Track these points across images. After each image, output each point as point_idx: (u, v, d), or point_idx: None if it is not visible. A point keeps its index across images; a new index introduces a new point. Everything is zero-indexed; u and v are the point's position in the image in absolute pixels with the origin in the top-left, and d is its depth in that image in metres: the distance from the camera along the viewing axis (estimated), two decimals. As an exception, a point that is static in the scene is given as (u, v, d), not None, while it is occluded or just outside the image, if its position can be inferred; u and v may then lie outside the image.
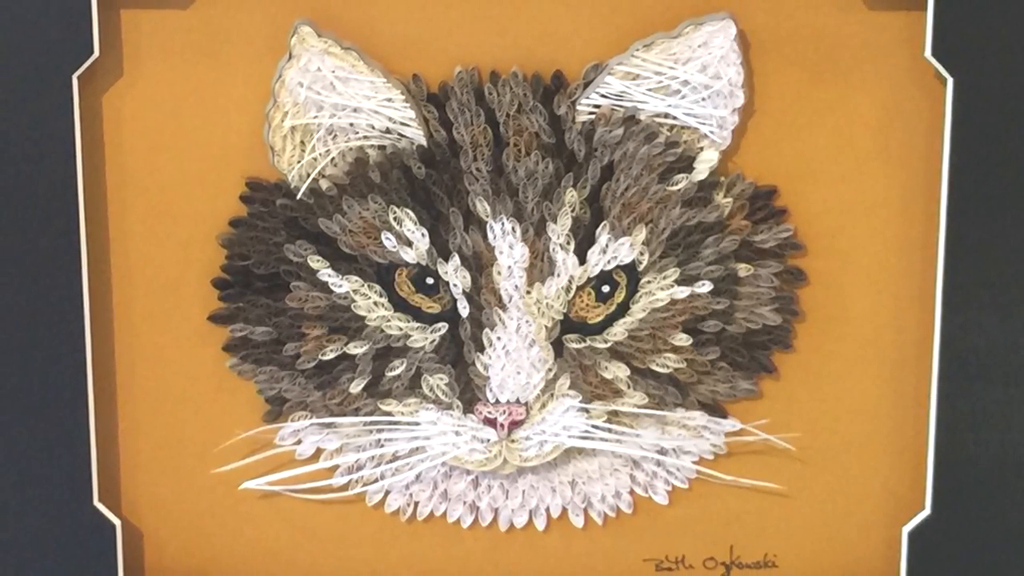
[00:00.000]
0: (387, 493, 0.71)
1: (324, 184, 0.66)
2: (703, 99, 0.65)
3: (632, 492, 0.71)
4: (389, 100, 0.65)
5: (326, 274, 0.67)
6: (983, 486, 0.68)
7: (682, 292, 0.67)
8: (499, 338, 0.66)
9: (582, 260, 0.66)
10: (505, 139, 0.65)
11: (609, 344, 0.67)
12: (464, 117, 0.65)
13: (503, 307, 0.66)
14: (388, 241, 0.66)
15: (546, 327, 0.66)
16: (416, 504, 0.71)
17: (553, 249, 0.65)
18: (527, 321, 0.66)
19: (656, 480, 0.70)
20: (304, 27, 0.64)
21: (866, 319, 0.68)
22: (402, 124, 0.65)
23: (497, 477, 0.70)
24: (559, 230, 0.65)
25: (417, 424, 0.68)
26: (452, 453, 0.68)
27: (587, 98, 0.65)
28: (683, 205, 0.66)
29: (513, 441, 0.68)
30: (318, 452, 0.70)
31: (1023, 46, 0.64)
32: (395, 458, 0.69)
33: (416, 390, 0.68)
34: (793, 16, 0.65)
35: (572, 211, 0.65)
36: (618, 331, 0.67)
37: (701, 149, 0.66)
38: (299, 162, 0.66)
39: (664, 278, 0.67)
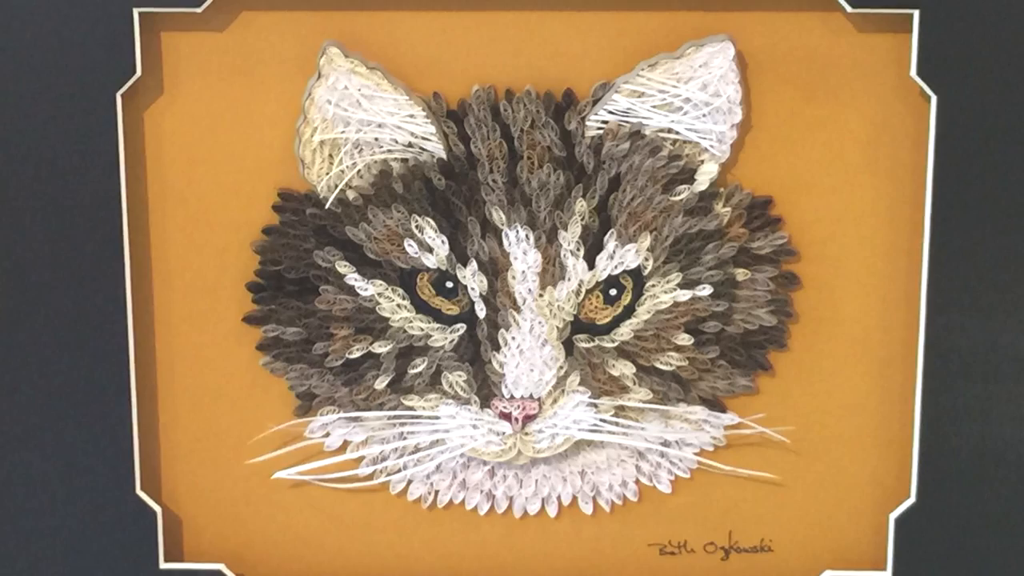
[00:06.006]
0: (409, 482, 0.71)
1: (351, 194, 0.67)
2: (704, 115, 0.66)
3: (638, 481, 0.71)
4: (411, 116, 0.66)
5: (353, 278, 0.68)
6: (965, 476, 0.68)
7: (684, 295, 0.68)
8: (514, 338, 0.67)
9: (591, 265, 0.67)
10: (519, 153, 0.66)
11: (616, 343, 0.68)
12: (481, 132, 0.66)
13: (517, 309, 0.67)
14: (410, 248, 0.67)
15: (557, 328, 0.67)
16: (436, 493, 0.71)
17: (564, 255, 0.66)
18: (540, 322, 0.67)
19: (660, 470, 0.71)
20: (332, 48, 0.65)
21: (856, 320, 0.69)
22: (423, 139, 0.66)
23: (512, 467, 0.71)
24: (569, 237, 0.66)
25: (437, 418, 0.69)
26: (470, 445, 0.69)
27: (596, 114, 0.66)
28: (685, 214, 0.67)
29: (527, 434, 0.68)
30: (345, 444, 0.71)
31: (1003, 67, 0.64)
32: (417, 450, 0.70)
33: (436, 386, 0.69)
34: (788, 38, 0.66)
35: (582, 220, 0.66)
36: (624, 331, 0.68)
37: (702, 162, 0.67)
38: (327, 174, 0.67)
39: (667, 282, 0.68)
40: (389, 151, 0.67)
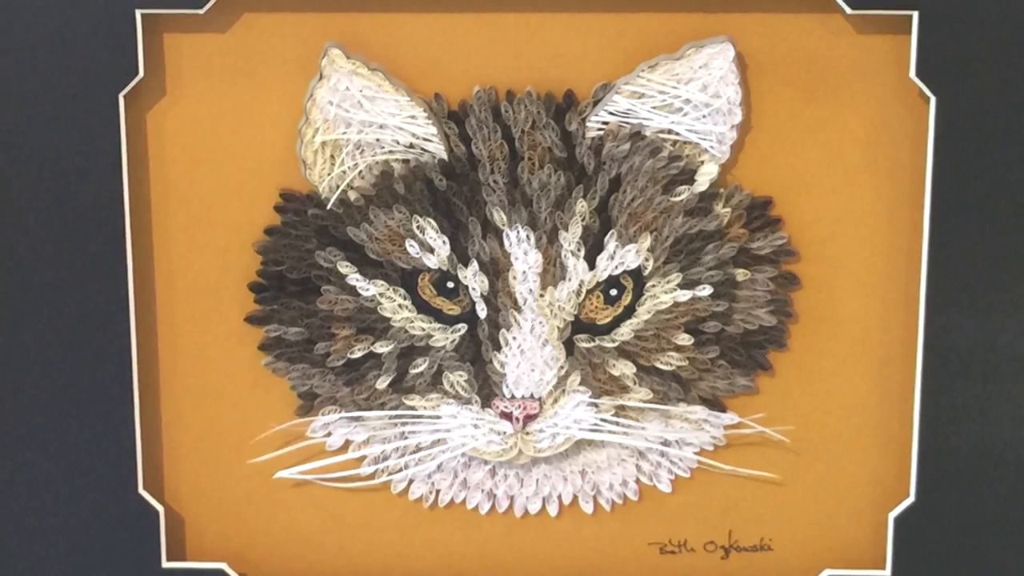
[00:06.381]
0: (411, 482, 0.72)
1: (352, 195, 0.67)
2: (704, 116, 0.66)
3: (638, 480, 0.72)
4: (413, 117, 0.66)
5: (354, 279, 0.68)
6: (963, 475, 0.68)
7: (684, 295, 0.68)
8: (515, 338, 0.68)
9: (591, 266, 0.67)
10: (520, 153, 0.67)
11: (616, 343, 0.68)
12: (482, 133, 0.67)
13: (518, 309, 0.67)
14: (412, 248, 0.67)
15: (558, 328, 0.68)
16: (438, 492, 0.72)
17: (565, 255, 0.67)
18: (540, 322, 0.67)
19: (660, 469, 0.71)
20: (334, 50, 0.66)
21: (855, 320, 0.69)
22: (425, 139, 0.66)
23: (513, 467, 0.71)
24: (570, 238, 0.66)
25: (439, 418, 0.69)
26: (471, 444, 0.69)
27: (596, 115, 0.66)
28: (685, 215, 0.67)
29: (528, 433, 0.69)
30: (347, 444, 0.71)
31: (1002, 67, 0.64)
32: (418, 449, 0.71)
33: (438, 386, 0.69)
34: (787, 39, 0.66)
35: (582, 220, 0.66)
36: (625, 331, 0.68)
37: (702, 163, 0.67)
38: (329, 175, 0.67)
39: (668, 282, 0.68)
40: (390, 152, 0.67)
